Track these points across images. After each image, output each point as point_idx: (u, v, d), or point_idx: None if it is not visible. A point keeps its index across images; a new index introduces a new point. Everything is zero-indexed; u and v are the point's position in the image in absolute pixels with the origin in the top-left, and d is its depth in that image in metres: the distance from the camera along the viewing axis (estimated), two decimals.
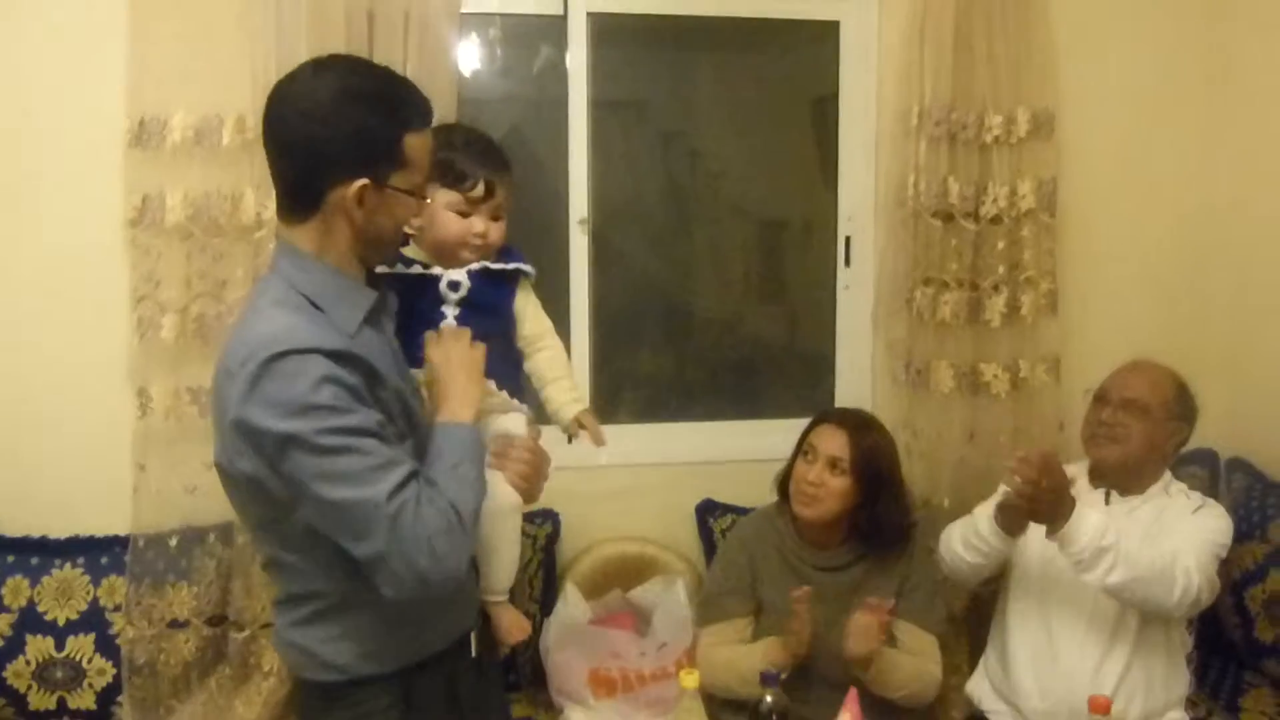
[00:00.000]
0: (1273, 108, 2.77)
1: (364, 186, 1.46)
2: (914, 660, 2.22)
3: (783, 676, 2.08)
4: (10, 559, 2.42)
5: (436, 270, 1.81)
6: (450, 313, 1.83)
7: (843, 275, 2.87)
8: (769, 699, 1.79)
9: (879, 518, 2.26)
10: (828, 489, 2.23)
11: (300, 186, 1.50)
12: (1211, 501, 2.30)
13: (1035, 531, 2.13)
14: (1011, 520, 2.13)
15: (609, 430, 2.78)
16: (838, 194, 2.85)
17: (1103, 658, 2.18)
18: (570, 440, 2.00)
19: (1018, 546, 2.25)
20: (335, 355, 1.42)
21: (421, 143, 1.52)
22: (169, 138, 2.37)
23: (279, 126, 1.48)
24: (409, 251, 1.81)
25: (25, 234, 2.45)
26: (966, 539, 2.25)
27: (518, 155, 2.78)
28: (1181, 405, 2.30)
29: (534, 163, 2.76)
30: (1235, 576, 2.64)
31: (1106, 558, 2.01)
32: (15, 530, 2.46)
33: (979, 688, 2.36)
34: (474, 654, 1.77)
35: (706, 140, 2.95)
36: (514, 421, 1.87)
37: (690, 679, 1.78)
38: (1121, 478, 2.29)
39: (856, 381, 2.86)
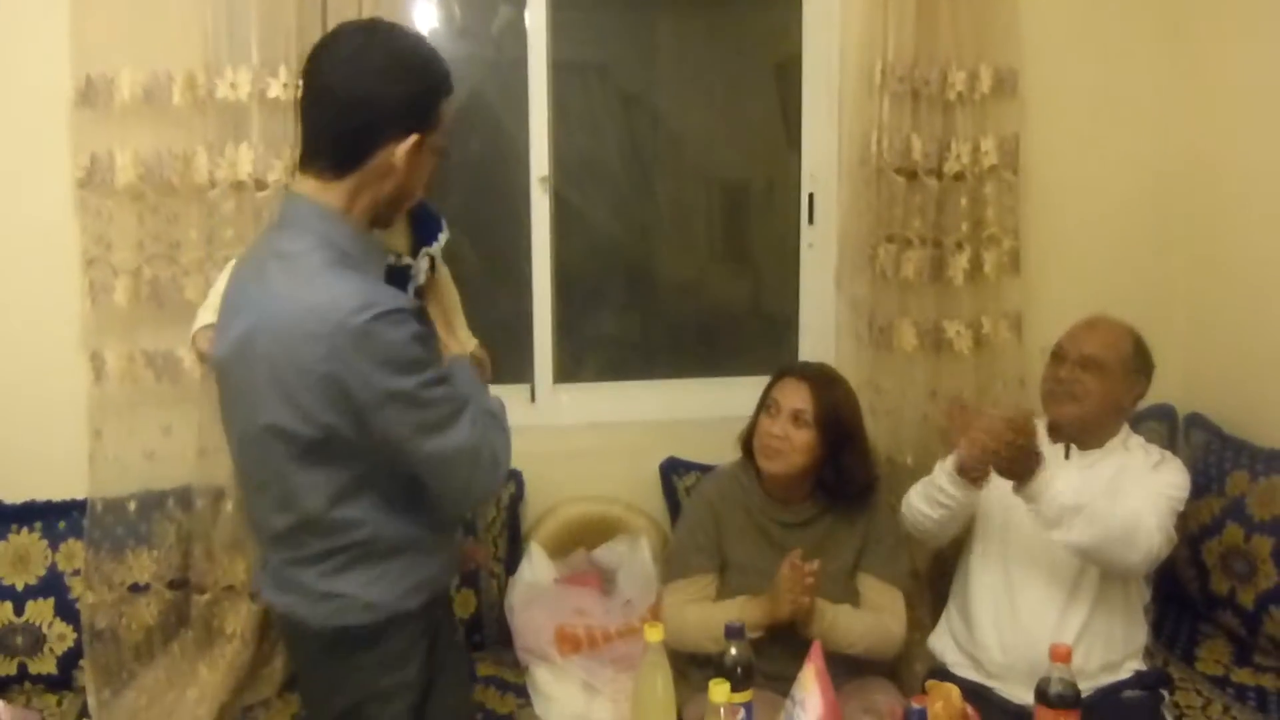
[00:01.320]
0: (1237, 64, 2.77)
1: (416, 142, 1.52)
2: (868, 616, 2.24)
3: (757, 635, 2.13)
4: None
5: (407, 260, 1.77)
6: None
7: (806, 234, 2.87)
8: (734, 651, 1.79)
9: (843, 471, 2.27)
10: (792, 442, 2.23)
11: (351, 143, 1.52)
12: (1170, 456, 2.32)
13: (998, 484, 2.13)
14: (973, 472, 2.13)
15: (572, 389, 2.84)
16: (801, 153, 2.83)
17: (1063, 611, 2.20)
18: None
19: (980, 499, 2.27)
20: (414, 311, 1.50)
21: (450, 106, 1.59)
22: (117, 96, 2.32)
23: (332, 83, 1.51)
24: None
25: None
26: (929, 495, 2.26)
27: (477, 116, 2.77)
28: (1139, 360, 2.32)
29: (494, 124, 2.73)
30: (1192, 530, 2.67)
31: (1075, 517, 2.03)
32: None
33: (941, 642, 2.39)
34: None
35: (668, 101, 2.92)
36: None
37: (654, 632, 1.78)
38: (1080, 434, 2.30)
39: (820, 340, 2.86)
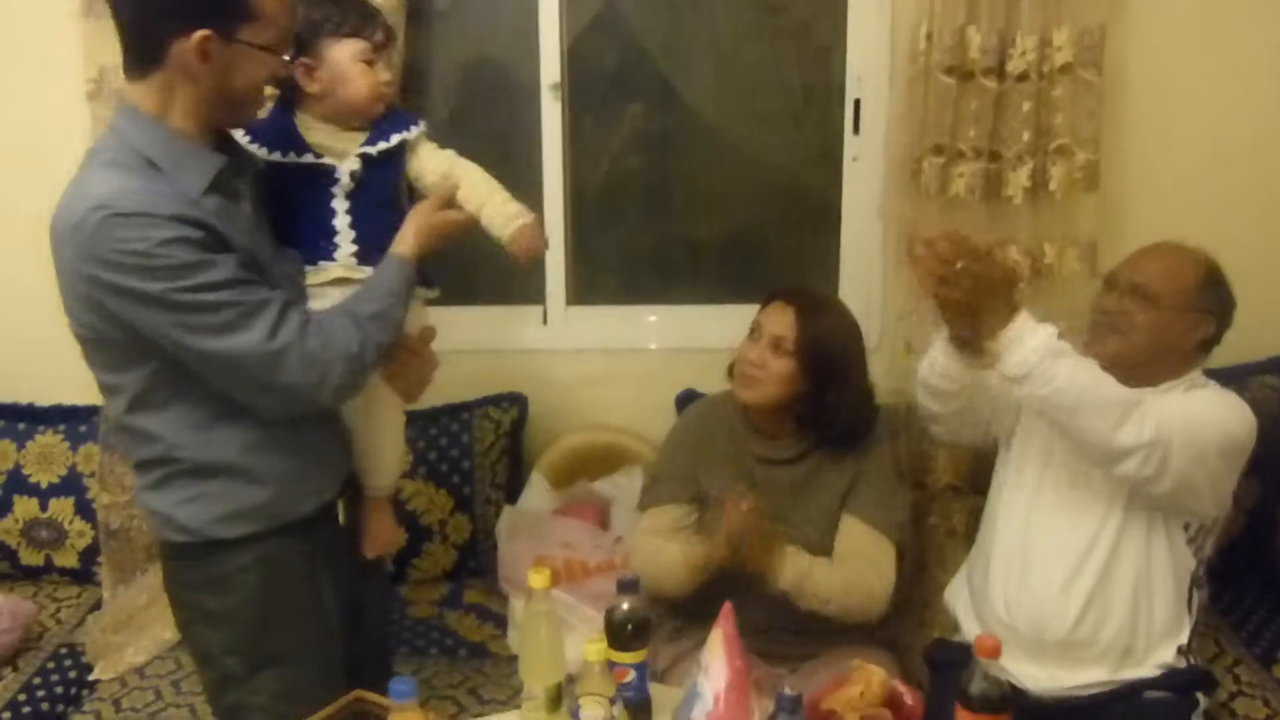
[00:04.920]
0: None
1: (205, 38, 1.41)
2: (841, 567, 1.99)
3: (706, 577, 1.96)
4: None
5: (329, 161, 1.68)
6: (340, 207, 1.71)
7: (850, 145, 2.55)
8: (624, 606, 1.64)
9: (829, 409, 2.02)
10: (767, 370, 2.01)
11: (138, 38, 1.45)
12: (1228, 391, 1.94)
13: (1040, 427, 1.92)
14: (957, 329, 1.85)
15: (586, 312, 2.68)
16: (846, 51, 2.52)
17: (1075, 568, 1.89)
18: (518, 260, 1.76)
19: (1019, 437, 2.03)
20: (172, 218, 1.41)
21: None
22: None
23: None
24: (307, 132, 1.67)
25: None
26: (927, 381, 2.02)
27: (479, 15, 2.61)
28: (1206, 296, 1.92)
29: (498, 24, 2.57)
30: None
31: (1055, 365, 1.72)
32: (3, 397, 2.57)
33: (957, 595, 2.11)
34: (341, 522, 1.81)
35: None
36: (412, 314, 1.75)
37: (539, 579, 1.63)
38: (1125, 375, 1.89)
39: (863, 265, 2.58)
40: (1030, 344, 1.72)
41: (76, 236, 1.40)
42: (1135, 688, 1.88)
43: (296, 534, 1.62)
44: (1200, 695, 1.90)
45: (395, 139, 1.71)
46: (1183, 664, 1.91)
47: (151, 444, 1.54)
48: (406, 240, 1.64)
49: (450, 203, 1.70)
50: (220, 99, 1.48)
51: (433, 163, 1.75)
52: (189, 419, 1.52)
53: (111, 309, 1.43)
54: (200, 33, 1.40)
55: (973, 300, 1.72)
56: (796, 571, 1.94)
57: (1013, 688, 1.63)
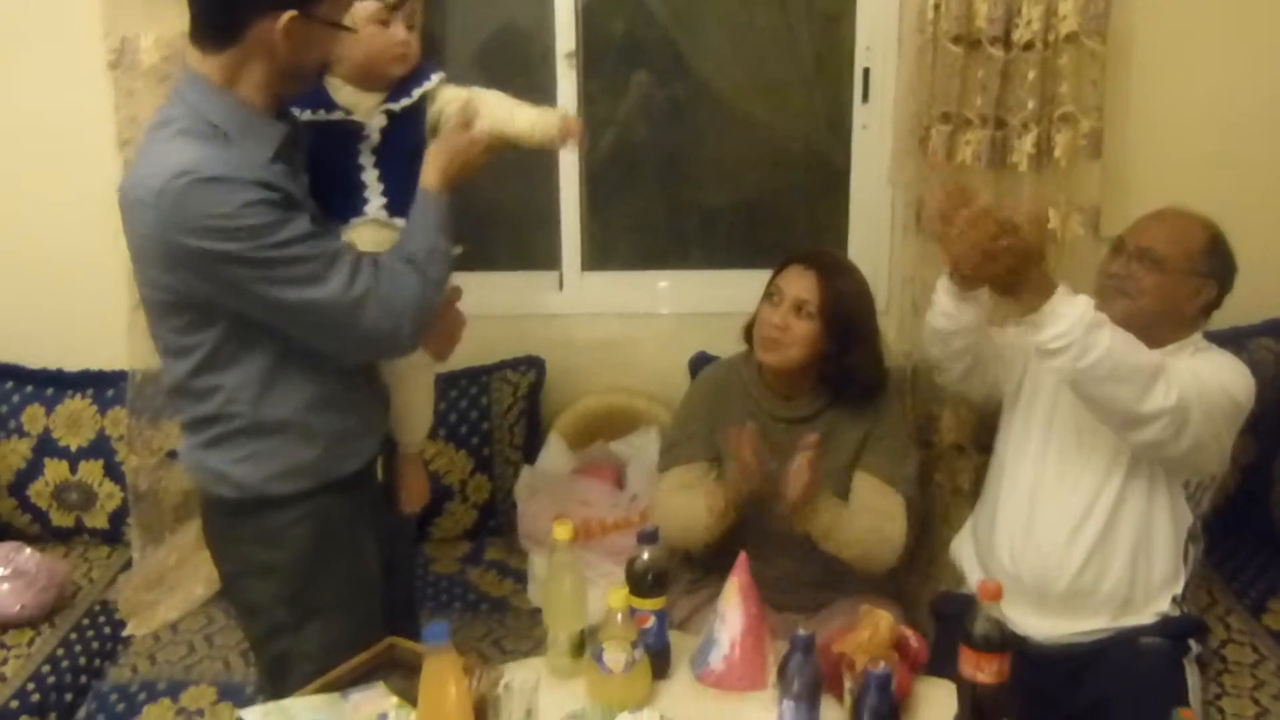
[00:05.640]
0: None
1: (292, 19, 1.47)
2: (867, 516, 2.05)
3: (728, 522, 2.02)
4: (29, 389, 2.62)
5: (357, 118, 1.74)
6: (368, 163, 1.77)
7: (859, 113, 2.60)
8: (645, 556, 1.71)
9: (849, 368, 2.08)
10: (792, 334, 2.06)
11: (221, 17, 1.49)
12: (1229, 354, 2.01)
13: (1047, 384, 1.99)
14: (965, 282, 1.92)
15: (601, 277, 2.74)
16: (856, 20, 2.56)
17: (1080, 521, 1.96)
18: (562, 144, 1.81)
19: (1025, 394, 2.09)
20: (252, 182, 1.47)
21: None
22: None
23: None
24: (336, 93, 1.73)
25: (11, 81, 2.54)
26: (933, 325, 2.08)
27: None
28: (1210, 261, 1.98)
29: None
30: None
31: (1093, 337, 1.74)
32: (34, 363, 2.64)
33: (963, 548, 2.19)
34: (380, 479, 1.88)
35: None
36: None
37: (563, 530, 1.72)
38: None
39: (872, 232, 2.63)
40: (1070, 318, 1.75)
41: (160, 203, 1.44)
42: (1132, 635, 1.95)
43: (343, 491, 1.70)
44: (1192, 642, 1.98)
45: (417, 93, 1.76)
46: (1177, 613, 1.98)
47: (212, 402, 1.59)
48: (431, 173, 1.68)
49: (472, 131, 1.72)
50: (291, 73, 1.54)
51: (452, 96, 1.79)
52: (252, 377, 1.58)
53: (196, 271, 1.48)
54: (288, 14, 1.46)
55: (1013, 274, 1.76)
56: (831, 514, 1.99)
57: (1015, 635, 1.71)
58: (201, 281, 1.50)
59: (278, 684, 1.69)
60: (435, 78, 1.78)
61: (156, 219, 1.46)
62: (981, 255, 1.76)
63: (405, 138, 1.77)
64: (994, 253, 1.75)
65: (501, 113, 1.76)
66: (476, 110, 1.74)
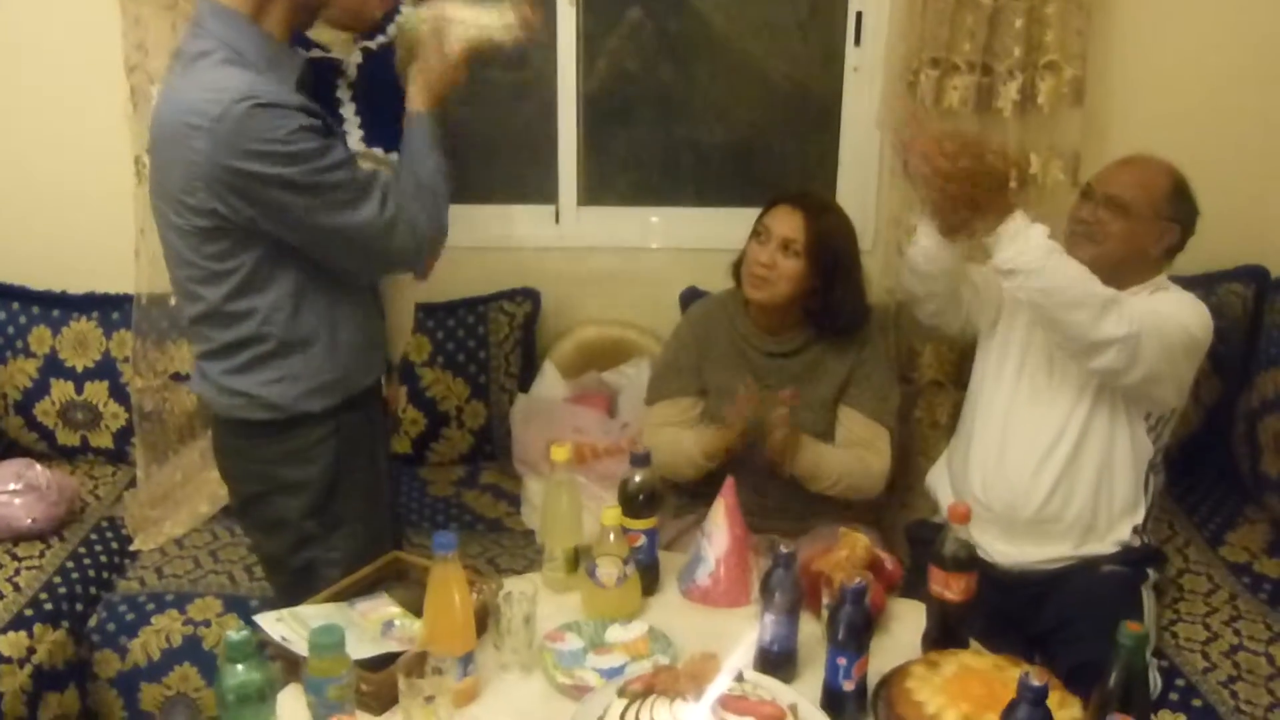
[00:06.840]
0: None
1: None
2: (846, 452, 2.18)
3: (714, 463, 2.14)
4: (35, 310, 2.66)
5: (335, 54, 1.81)
6: (344, 97, 1.84)
7: (851, 56, 2.65)
8: (637, 478, 1.80)
9: (834, 304, 2.18)
10: (779, 271, 2.15)
11: None
12: (1188, 293, 2.10)
13: (1020, 322, 2.09)
14: (954, 223, 1.97)
15: (597, 212, 2.80)
16: None
17: (1044, 456, 2.07)
18: (527, 35, 1.85)
19: (1000, 331, 2.19)
20: (298, 109, 1.54)
21: None
22: None
23: None
24: (313, 33, 1.80)
25: (18, 6, 2.55)
26: (913, 264, 2.17)
27: None
28: (1174, 206, 2.07)
29: None
30: (1254, 404, 2.45)
31: (1046, 259, 1.86)
32: (40, 285, 2.68)
33: (938, 479, 2.30)
34: (384, 395, 1.98)
35: None
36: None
37: (560, 452, 1.80)
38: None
39: (860, 173, 2.70)
40: (1024, 240, 1.86)
41: (218, 127, 1.49)
42: (1093, 562, 2.07)
43: (360, 405, 1.79)
44: (1151, 570, 2.10)
45: (391, 29, 1.84)
46: (1137, 542, 2.10)
47: (248, 325, 1.66)
48: (418, 97, 1.75)
49: (445, 47, 1.77)
50: (313, 5, 1.62)
51: (420, 19, 1.82)
52: (281, 298, 1.66)
53: (245, 195, 1.54)
54: None
55: (972, 196, 1.86)
56: (813, 455, 2.13)
57: (983, 559, 1.82)
58: (248, 205, 1.55)
59: (302, 592, 1.75)
60: (403, 8, 1.84)
61: (211, 143, 1.50)
62: (944, 177, 1.85)
63: (382, 73, 1.85)
64: (952, 174, 1.84)
65: (470, 25, 1.80)
66: (445, 28, 1.79)
